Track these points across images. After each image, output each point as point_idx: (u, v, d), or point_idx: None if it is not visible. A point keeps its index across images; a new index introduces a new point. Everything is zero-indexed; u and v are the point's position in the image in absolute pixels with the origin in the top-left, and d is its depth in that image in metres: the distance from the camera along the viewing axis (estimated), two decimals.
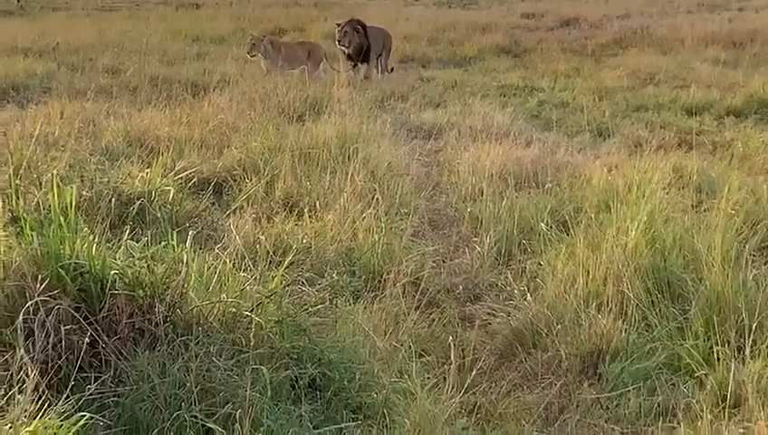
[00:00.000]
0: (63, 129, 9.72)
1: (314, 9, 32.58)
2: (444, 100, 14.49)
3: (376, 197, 7.24)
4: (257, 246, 6.30)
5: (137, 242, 5.06)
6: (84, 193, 6.39)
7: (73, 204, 4.74)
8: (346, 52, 16.89)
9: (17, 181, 5.94)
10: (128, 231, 5.11)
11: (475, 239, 7.32)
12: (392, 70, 17.82)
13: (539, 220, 7.29)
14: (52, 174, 6.67)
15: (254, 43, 16.09)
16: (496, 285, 6.65)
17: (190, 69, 16.09)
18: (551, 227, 7.07)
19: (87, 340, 4.21)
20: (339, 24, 17.09)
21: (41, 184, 6.56)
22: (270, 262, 5.91)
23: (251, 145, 9.17)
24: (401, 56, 20.76)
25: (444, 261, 7.04)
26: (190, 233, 5.10)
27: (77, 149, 8.72)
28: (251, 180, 8.14)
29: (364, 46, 16.94)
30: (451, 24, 25.81)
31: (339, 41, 16.77)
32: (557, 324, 5.62)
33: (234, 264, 5.33)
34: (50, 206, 4.82)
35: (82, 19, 29.55)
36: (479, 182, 8.62)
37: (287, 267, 5.38)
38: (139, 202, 6.80)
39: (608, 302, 5.77)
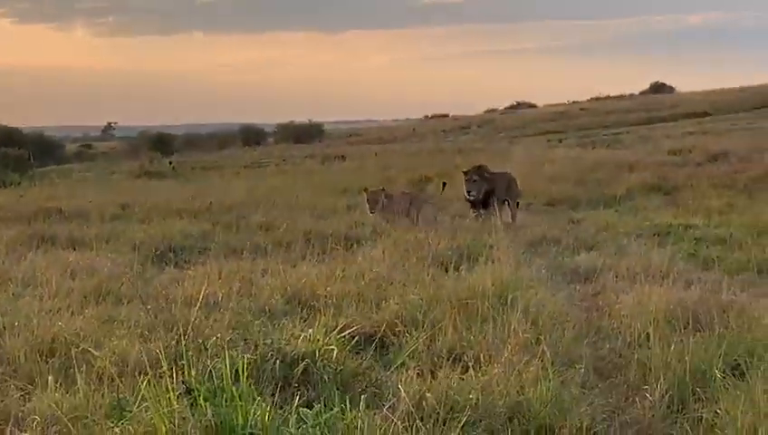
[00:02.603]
0: (222, 289, 9.88)
1: (458, 155, 32.90)
2: (597, 241, 14.31)
3: (542, 348, 7.11)
4: (424, 404, 6.21)
5: (306, 406, 5.02)
6: (249, 356, 6.39)
7: (244, 373, 4.75)
8: (472, 200, 16.78)
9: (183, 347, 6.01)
10: (296, 396, 5.08)
11: (645, 387, 7.07)
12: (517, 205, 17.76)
13: (711, 366, 7.04)
14: (217, 338, 6.78)
15: (375, 199, 16.21)
16: None
17: (341, 222, 16.30)
18: (724, 373, 6.82)
19: None
20: (465, 173, 17.01)
21: (206, 348, 6.62)
22: (437, 420, 5.82)
23: (408, 297, 9.13)
24: (549, 199, 20.75)
25: (614, 412, 6.81)
26: (362, 398, 5.04)
27: (238, 310, 8.84)
28: (411, 334, 8.07)
29: (488, 192, 16.77)
30: (597, 163, 25.77)
31: (469, 191, 16.66)
32: None
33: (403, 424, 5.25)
34: (220, 373, 4.83)
35: (233, 177, 30.46)
36: (643, 326, 8.39)
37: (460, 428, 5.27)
38: (304, 363, 6.79)
39: None
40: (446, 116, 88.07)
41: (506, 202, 17.29)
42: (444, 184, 17.69)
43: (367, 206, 16.25)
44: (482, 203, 16.75)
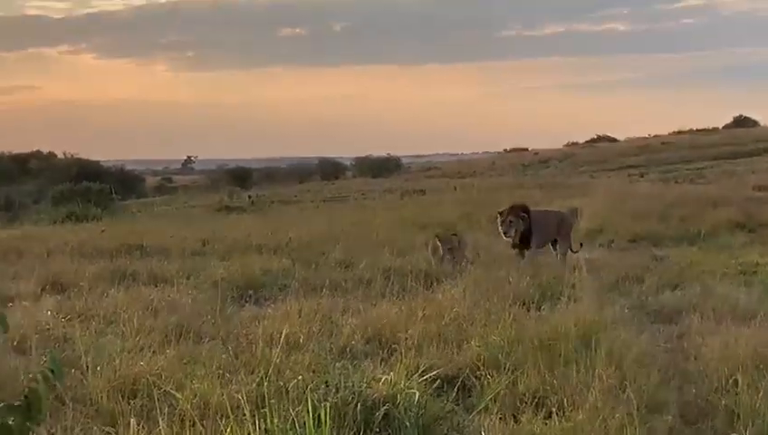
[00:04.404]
0: (303, 328, 9.85)
1: (539, 190, 32.70)
2: (681, 280, 14.05)
3: (627, 393, 6.98)
4: None
5: None
6: (330, 400, 6.34)
7: (327, 422, 4.70)
8: (511, 241, 16.27)
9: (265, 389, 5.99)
10: None
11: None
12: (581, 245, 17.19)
13: None
14: (298, 380, 6.75)
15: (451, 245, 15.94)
16: None
17: (420, 258, 16.15)
18: None
19: None
20: (501, 213, 16.38)
21: (287, 391, 6.59)
22: None
23: (490, 338, 9.03)
24: (631, 235, 20.48)
25: None
26: None
27: (318, 351, 8.81)
28: (493, 377, 7.98)
29: (527, 231, 16.27)
30: (680, 199, 25.39)
31: (505, 232, 16.13)
32: None
33: None
34: (302, 421, 4.79)
35: (312, 211, 30.55)
36: (730, 371, 8.20)
37: None
38: (385, 408, 6.73)
39: None
40: (525, 150, 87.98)
41: (556, 243, 16.74)
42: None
43: (441, 252, 15.85)
44: (522, 242, 16.32)
